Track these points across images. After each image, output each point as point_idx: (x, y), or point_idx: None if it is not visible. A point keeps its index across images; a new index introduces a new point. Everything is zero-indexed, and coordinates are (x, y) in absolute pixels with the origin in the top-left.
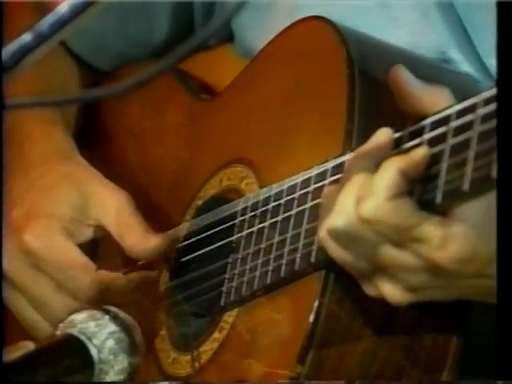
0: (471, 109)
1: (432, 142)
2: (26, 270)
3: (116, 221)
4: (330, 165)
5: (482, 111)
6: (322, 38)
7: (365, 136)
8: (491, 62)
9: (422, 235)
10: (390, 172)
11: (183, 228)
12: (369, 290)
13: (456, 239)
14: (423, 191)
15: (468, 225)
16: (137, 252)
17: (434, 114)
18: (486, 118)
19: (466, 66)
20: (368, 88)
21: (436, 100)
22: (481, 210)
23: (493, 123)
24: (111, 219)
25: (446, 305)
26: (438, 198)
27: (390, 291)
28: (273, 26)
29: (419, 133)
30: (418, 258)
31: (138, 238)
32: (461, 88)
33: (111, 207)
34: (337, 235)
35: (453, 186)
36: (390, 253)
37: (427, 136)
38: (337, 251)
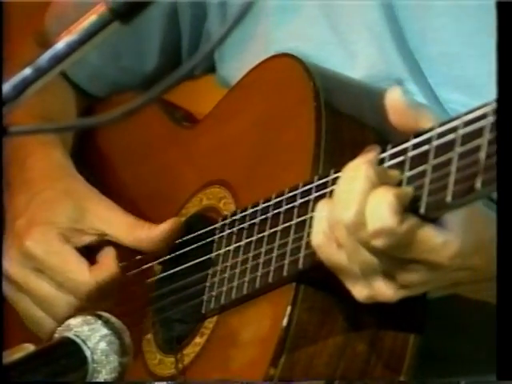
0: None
1: (415, 159)
2: (28, 272)
3: (119, 226)
4: (298, 190)
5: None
6: (291, 72)
7: (331, 161)
8: (441, 94)
9: (423, 241)
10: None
11: None
12: (359, 292)
13: (451, 240)
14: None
15: (457, 226)
16: (150, 243)
17: (417, 134)
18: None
19: (420, 98)
20: (333, 118)
21: (427, 119)
22: (465, 212)
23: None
24: (113, 226)
25: (404, 306)
26: (422, 208)
27: (387, 291)
28: (249, 59)
29: (403, 151)
30: (418, 262)
31: (146, 232)
32: None
33: (108, 216)
34: (351, 225)
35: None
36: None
37: (411, 154)
38: (334, 254)
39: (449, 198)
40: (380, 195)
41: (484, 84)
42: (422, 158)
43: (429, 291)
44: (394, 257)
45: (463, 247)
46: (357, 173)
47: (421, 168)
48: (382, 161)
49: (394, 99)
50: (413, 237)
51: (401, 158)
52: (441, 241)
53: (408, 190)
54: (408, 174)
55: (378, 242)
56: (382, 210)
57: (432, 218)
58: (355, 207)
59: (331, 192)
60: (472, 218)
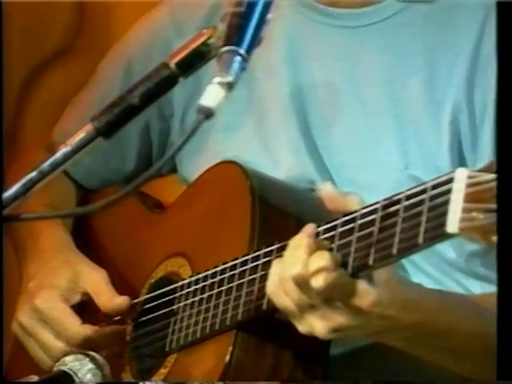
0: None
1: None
2: (35, 322)
3: (95, 289)
4: (239, 260)
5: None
6: (233, 174)
7: (263, 240)
8: (345, 189)
9: (351, 290)
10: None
11: (142, 297)
12: (303, 328)
13: (372, 289)
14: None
15: (376, 281)
16: (107, 309)
17: (345, 215)
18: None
19: None
20: (264, 208)
21: (353, 204)
22: (384, 272)
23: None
24: (93, 289)
25: (313, 354)
26: (349, 268)
27: (320, 329)
28: (202, 163)
29: (334, 227)
30: (345, 305)
31: (108, 300)
32: (322, 207)
33: (94, 281)
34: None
35: (362, 262)
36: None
37: (340, 229)
38: (284, 301)
39: (371, 262)
40: (319, 253)
41: (373, 186)
42: (348, 233)
43: (354, 338)
44: (327, 299)
45: (380, 298)
46: (300, 242)
47: (347, 239)
48: (317, 234)
49: (327, 191)
50: (343, 281)
51: (332, 233)
52: (362, 288)
53: (338, 255)
54: (338, 243)
55: (318, 282)
56: (321, 260)
57: (358, 277)
58: (301, 263)
59: (265, 263)
60: (390, 280)
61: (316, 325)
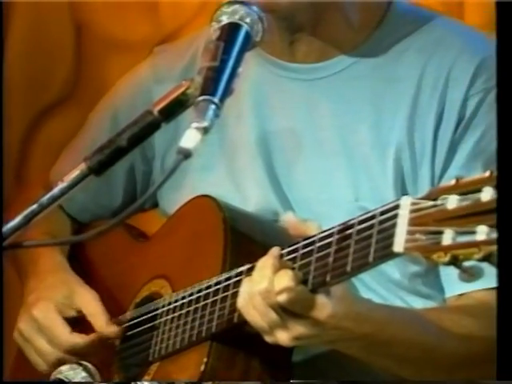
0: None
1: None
2: (32, 330)
3: (91, 311)
4: (213, 280)
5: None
6: (208, 207)
7: (234, 263)
8: (301, 214)
9: (311, 304)
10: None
11: (129, 314)
12: (268, 338)
13: (329, 302)
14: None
15: (333, 296)
16: (103, 333)
17: (306, 239)
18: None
19: None
20: (236, 236)
21: (312, 229)
22: (340, 288)
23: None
24: (88, 309)
25: (278, 360)
26: (310, 284)
27: (283, 338)
28: (180, 198)
29: (296, 250)
30: (305, 317)
31: (103, 325)
32: (285, 235)
33: (88, 302)
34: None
35: (320, 279)
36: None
37: (301, 251)
38: (253, 314)
39: (328, 279)
40: (283, 272)
41: (328, 216)
42: (308, 254)
43: (313, 346)
44: (290, 312)
45: (336, 311)
46: (267, 262)
47: (308, 260)
48: (281, 256)
49: (289, 219)
50: (304, 296)
51: (294, 254)
52: (321, 302)
53: (299, 273)
54: (299, 263)
55: (282, 297)
56: (284, 277)
57: (317, 292)
58: (267, 280)
59: (236, 282)
60: (345, 295)
61: (280, 334)
